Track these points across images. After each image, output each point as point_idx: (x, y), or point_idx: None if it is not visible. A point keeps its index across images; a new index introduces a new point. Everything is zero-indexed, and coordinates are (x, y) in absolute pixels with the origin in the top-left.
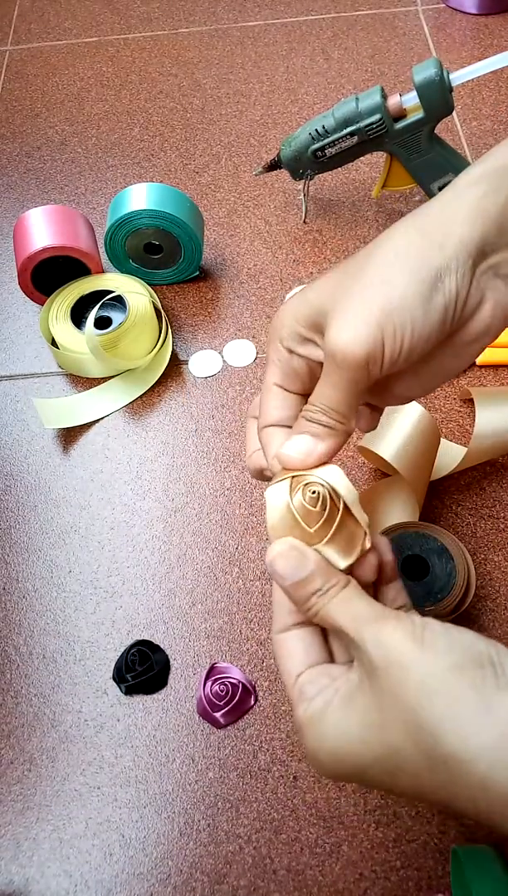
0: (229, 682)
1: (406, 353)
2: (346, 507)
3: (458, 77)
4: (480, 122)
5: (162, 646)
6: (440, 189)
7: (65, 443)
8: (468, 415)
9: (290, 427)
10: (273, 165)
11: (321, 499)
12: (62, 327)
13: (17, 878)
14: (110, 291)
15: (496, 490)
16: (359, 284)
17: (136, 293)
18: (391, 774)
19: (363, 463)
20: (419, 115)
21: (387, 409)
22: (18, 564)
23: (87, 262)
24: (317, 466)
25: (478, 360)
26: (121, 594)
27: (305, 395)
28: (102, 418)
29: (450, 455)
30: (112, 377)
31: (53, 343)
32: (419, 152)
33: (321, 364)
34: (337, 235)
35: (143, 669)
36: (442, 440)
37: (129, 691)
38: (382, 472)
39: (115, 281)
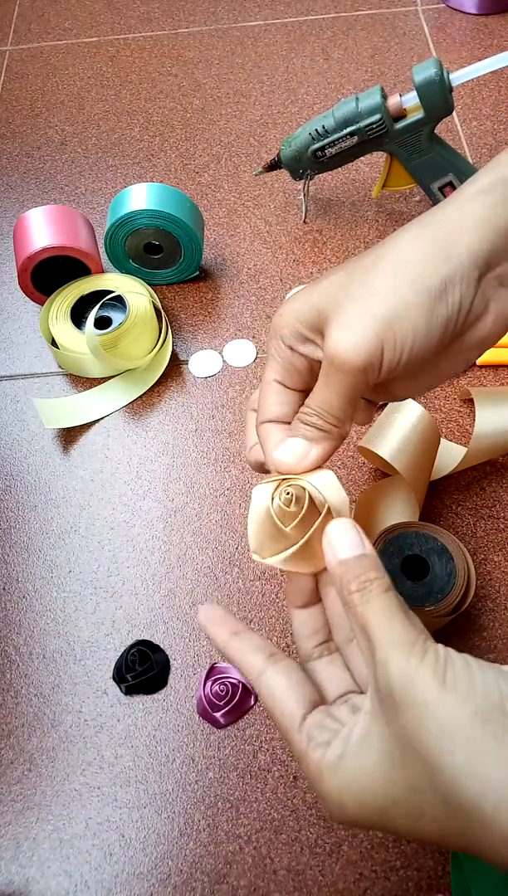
0: (229, 682)
1: (406, 362)
2: (329, 513)
3: (458, 77)
4: (480, 122)
5: (162, 646)
6: (440, 189)
7: (65, 443)
8: (468, 415)
9: (288, 423)
10: (273, 165)
11: (294, 500)
12: (62, 327)
13: (17, 878)
14: (110, 291)
15: (496, 490)
16: (363, 291)
17: (136, 293)
18: (414, 818)
19: (363, 463)
20: (419, 115)
21: (387, 409)
22: (18, 564)
23: (87, 262)
24: (312, 471)
25: (478, 361)
26: (121, 594)
27: (304, 392)
28: (102, 418)
29: (450, 455)
30: (112, 377)
31: (53, 343)
32: (419, 152)
33: (320, 363)
34: (337, 235)
35: (143, 669)
36: (442, 440)
37: (129, 691)
38: (382, 471)
39: (115, 281)
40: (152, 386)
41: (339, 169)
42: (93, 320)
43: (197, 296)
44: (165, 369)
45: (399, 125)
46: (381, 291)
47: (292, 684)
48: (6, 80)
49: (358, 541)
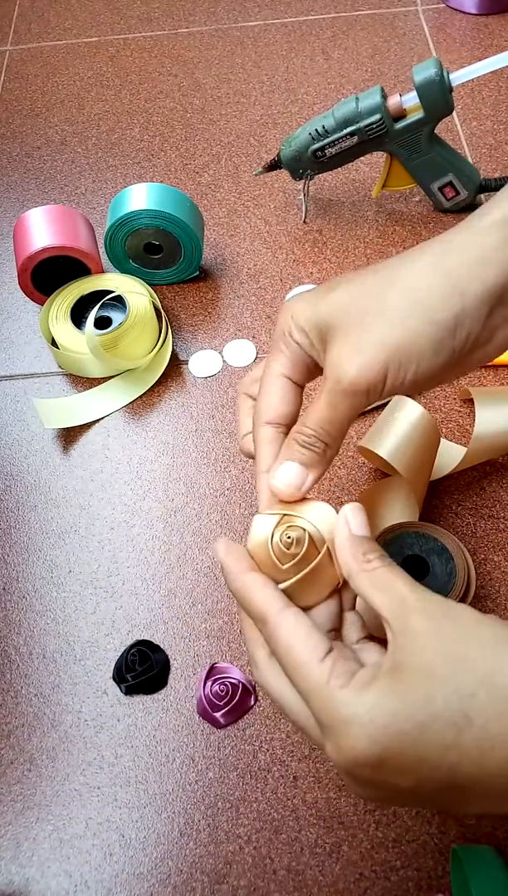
0: (229, 682)
1: (409, 386)
2: (328, 552)
3: (458, 77)
4: (480, 122)
5: (162, 646)
6: (440, 189)
7: (65, 443)
8: (468, 415)
9: (287, 427)
10: (273, 165)
11: (295, 543)
12: (62, 327)
13: (17, 878)
14: (110, 291)
15: (496, 490)
16: (374, 315)
17: (136, 293)
18: (458, 728)
19: (363, 463)
20: (419, 115)
21: (387, 409)
22: (18, 564)
23: (87, 262)
24: (309, 501)
25: None
26: (121, 594)
27: (303, 388)
28: (102, 418)
29: (450, 455)
30: (112, 377)
31: (53, 343)
32: (419, 152)
33: (317, 366)
34: (337, 235)
35: (143, 669)
36: (442, 440)
37: (129, 691)
38: (382, 471)
39: (115, 281)
40: (152, 386)
41: (339, 169)
42: (93, 320)
43: (197, 296)
44: (165, 369)
45: (399, 125)
46: (392, 319)
47: (312, 626)
48: (6, 80)
49: (364, 521)
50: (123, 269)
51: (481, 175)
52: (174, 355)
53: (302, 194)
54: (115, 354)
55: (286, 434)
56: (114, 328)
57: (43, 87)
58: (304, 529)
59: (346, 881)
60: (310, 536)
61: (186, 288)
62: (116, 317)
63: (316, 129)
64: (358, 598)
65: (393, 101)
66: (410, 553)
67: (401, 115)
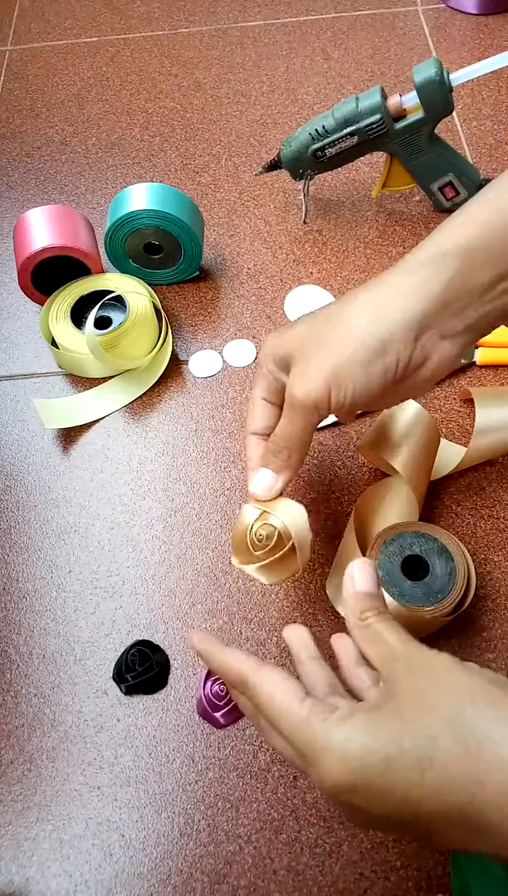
0: None
1: (350, 403)
2: (292, 546)
3: (458, 77)
4: (480, 122)
5: (162, 646)
6: (440, 189)
7: (65, 443)
8: (468, 415)
9: (267, 436)
10: (273, 165)
11: (266, 537)
12: (62, 327)
13: (17, 878)
14: (110, 291)
15: (496, 490)
16: (317, 344)
17: (136, 293)
18: (422, 768)
19: (363, 463)
20: (419, 115)
21: (387, 410)
22: (18, 564)
23: (87, 262)
24: (283, 498)
25: (479, 361)
26: (121, 594)
27: (281, 406)
28: (102, 418)
29: (450, 455)
30: (112, 377)
31: (53, 343)
32: (419, 152)
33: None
34: (337, 235)
35: (143, 669)
36: (442, 440)
37: (129, 691)
38: (382, 472)
39: (115, 281)
40: (152, 386)
41: (339, 169)
42: (93, 320)
43: (197, 296)
44: (165, 369)
45: (399, 125)
46: (330, 347)
47: (290, 675)
48: (6, 80)
49: (371, 577)
50: (123, 269)
51: (481, 175)
52: (174, 355)
53: (302, 194)
54: (115, 354)
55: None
56: (114, 328)
57: (43, 87)
58: (275, 527)
59: (346, 881)
60: (279, 533)
61: (186, 288)
62: (116, 317)
63: (316, 129)
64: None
65: (393, 101)
66: (410, 553)
67: (401, 115)
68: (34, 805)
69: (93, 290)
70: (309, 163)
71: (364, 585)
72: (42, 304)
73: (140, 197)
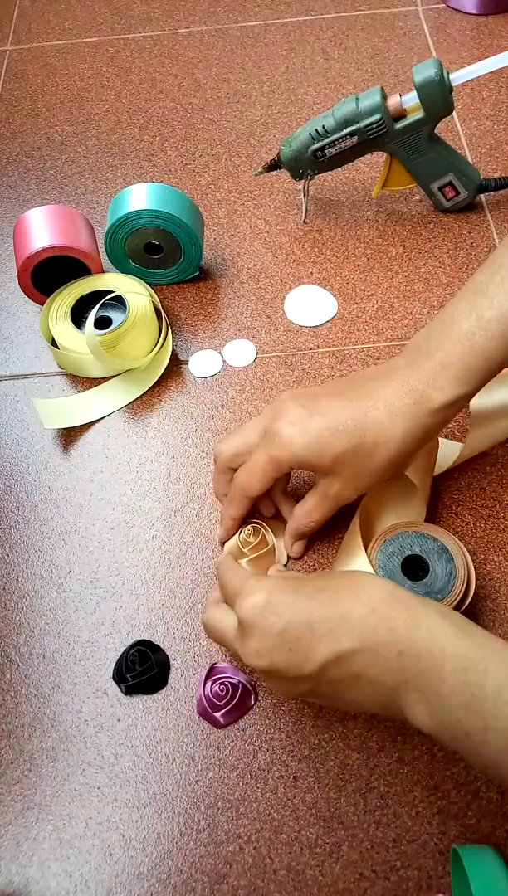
0: (229, 682)
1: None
2: (273, 548)
3: (458, 77)
4: (480, 122)
5: (162, 646)
6: (440, 189)
7: (65, 443)
8: (462, 415)
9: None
10: (273, 165)
11: (252, 535)
12: (62, 327)
13: (17, 878)
14: (110, 291)
15: (496, 490)
16: (365, 472)
17: (136, 293)
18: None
19: None
20: (419, 115)
21: None
22: (18, 564)
23: (87, 262)
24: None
25: None
26: (121, 594)
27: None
28: (102, 418)
29: (448, 451)
30: (112, 377)
31: (53, 343)
32: (419, 152)
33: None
34: (337, 235)
35: (143, 669)
36: (442, 440)
37: (129, 691)
38: None
39: (115, 281)
40: (152, 386)
41: (339, 169)
42: (93, 320)
43: (197, 296)
44: (165, 369)
45: (399, 125)
46: (377, 474)
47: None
48: (6, 80)
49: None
50: (123, 269)
51: (481, 175)
52: (174, 355)
53: (302, 194)
54: (115, 354)
55: (251, 499)
56: (114, 328)
57: (43, 87)
58: (261, 531)
59: (346, 881)
60: (264, 536)
61: (186, 288)
62: (116, 317)
63: (316, 129)
64: None
65: (393, 101)
66: (410, 553)
67: (401, 115)
68: (34, 805)
69: (93, 290)
70: (309, 163)
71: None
72: (42, 304)
73: (140, 197)
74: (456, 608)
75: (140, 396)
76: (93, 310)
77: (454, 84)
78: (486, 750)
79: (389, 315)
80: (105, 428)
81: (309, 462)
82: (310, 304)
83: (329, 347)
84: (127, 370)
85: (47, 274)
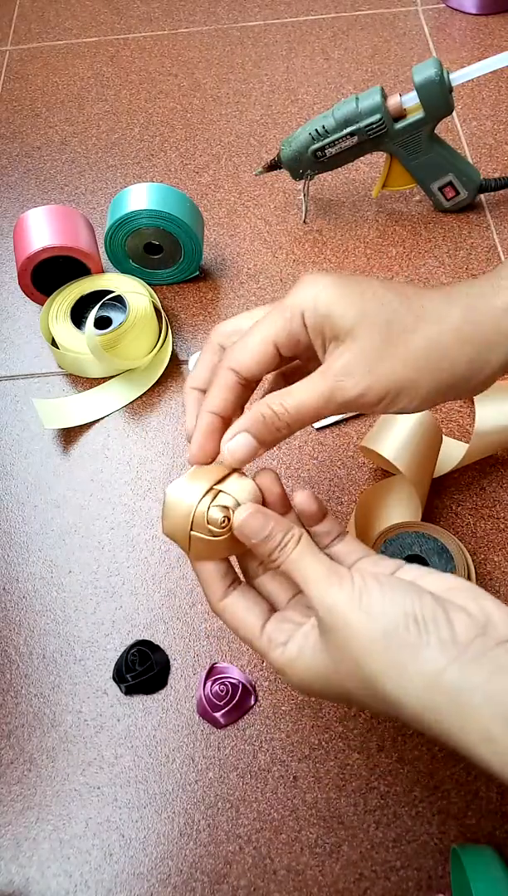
0: (229, 682)
1: (393, 412)
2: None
3: (458, 77)
4: (480, 122)
5: (162, 646)
6: (440, 189)
7: (65, 443)
8: (468, 414)
9: (251, 383)
10: (273, 165)
11: (223, 519)
12: (62, 327)
13: (17, 878)
14: (110, 291)
15: (496, 490)
16: (397, 346)
17: (136, 293)
18: (348, 701)
19: (364, 463)
20: (419, 115)
21: None
22: (18, 564)
23: (87, 262)
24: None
25: None
26: (121, 594)
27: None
28: (102, 418)
29: (452, 452)
30: (112, 377)
31: (53, 343)
32: (419, 152)
33: (306, 346)
34: (337, 235)
35: (143, 669)
36: (444, 438)
37: (129, 691)
38: (383, 471)
39: (115, 281)
40: (152, 386)
41: (339, 169)
42: (93, 320)
43: (197, 296)
44: (165, 369)
45: (399, 125)
46: (408, 359)
47: (249, 604)
48: (6, 80)
49: (261, 523)
50: (123, 269)
51: (481, 175)
52: (174, 355)
53: (302, 194)
54: (115, 354)
55: (245, 387)
56: (114, 328)
57: (43, 87)
58: (228, 508)
59: (346, 881)
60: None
61: (186, 288)
62: (116, 317)
63: (316, 129)
64: None
65: (393, 101)
66: (410, 553)
67: (401, 115)
68: (34, 805)
69: (93, 290)
70: (309, 163)
71: (256, 535)
72: (42, 304)
73: (140, 197)
74: None
75: (140, 396)
76: (93, 310)
77: (454, 84)
78: None
79: None
80: (105, 428)
81: (329, 314)
82: None
83: None
84: (127, 370)
85: (47, 274)
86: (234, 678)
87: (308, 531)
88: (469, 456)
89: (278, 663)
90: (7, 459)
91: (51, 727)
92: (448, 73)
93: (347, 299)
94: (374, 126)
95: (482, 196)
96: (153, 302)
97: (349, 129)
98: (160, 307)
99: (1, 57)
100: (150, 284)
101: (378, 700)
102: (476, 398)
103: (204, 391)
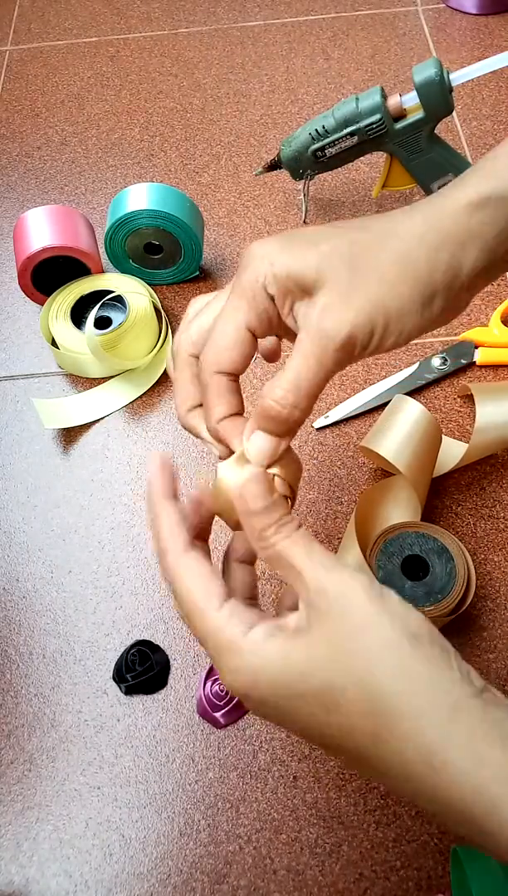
0: None
1: (383, 348)
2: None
3: (458, 77)
4: (480, 122)
5: (162, 646)
6: (440, 189)
7: (65, 443)
8: (468, 414)
9: (236, 377)
10: (273, 165)
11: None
12: (62, 327)
13: (17, 878)
14: (110, 291)
15: (496, 490)
16: (360, 271)
17: (136, 293)
18: (327, 710)
19: (364, 463)
20: (419, 115)
21: (388, 409)
22: (18, 564)
23: (87, 262)
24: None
25: (478, 361)
26: (121, 594)
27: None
28: (102, 418)
29: (452, 452)
30: (112, 377)
31: (53, 343)
32: (419, 152)
33: (280, 320)
34: None
35: (143, 669)
36: (444, 438)
37: (129, 691)
38: (383, 471)
39: (115, 281)
40: (152, 386)
41: (339, 169)
42: (93, 320)
43: (197, 296)
44: (166, 369)
45: (399, 125)
46: (380, 275)
47: (212, 570)
48: (6, 80)
49: (263, 490)
50: (123, 269)
51: None
52: None
53: (302, 194)
54: (115, 354)
55: (237, 381)
56: (114, 328)
57: (43, 87)
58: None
59: (346, 881)
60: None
61: (186, 288)
62: (116, 317)
63: (316, 129)
64: None
65: (393, 101)
66: (410, 553)
67: (401, 115)
68: (34, 805)
69: (93, 290)
70: (309, 163)
71: (255, 502)
72: (42, 304)
73: (140, 197)
74: (456, 608)
75: (140, 396)
76: (93, 310)
77: (454, 84)
78: None
79: None
80: (105, 428)
81: (291, 271)
82: None
83: None
84: (127, 370)
85: (47, 274)
86: None
87: None
88: (468, 456)
89: (236, 644)
90: (7, 459)
91: (51, 727)
92: (448, 73)
93: (301, 251)
94: (374, 126)
95: None
96: (153, 302)
97: (349, 129)
98: (160, 307)
99: (1, 57)
100: (150, 284)
101: (368, 705)
102: (476, 398)
103: (200, 405)
